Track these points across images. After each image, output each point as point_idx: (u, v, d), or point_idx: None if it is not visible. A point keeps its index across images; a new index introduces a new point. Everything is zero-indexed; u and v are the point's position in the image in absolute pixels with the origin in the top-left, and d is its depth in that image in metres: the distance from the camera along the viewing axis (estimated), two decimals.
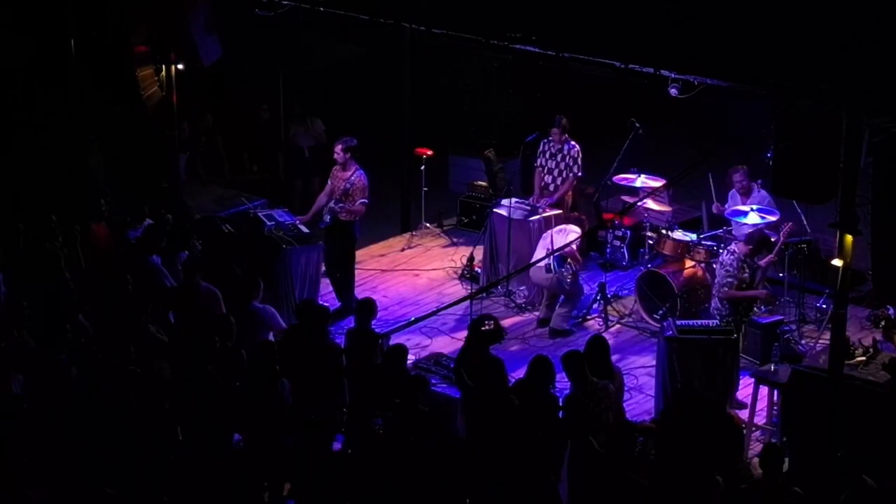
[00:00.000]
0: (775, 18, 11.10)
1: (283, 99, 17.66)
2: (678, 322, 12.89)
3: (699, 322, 13.13)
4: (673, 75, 12.21)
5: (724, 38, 11.39)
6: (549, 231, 14.82)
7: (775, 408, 12.50)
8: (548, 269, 14.48)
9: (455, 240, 17.27)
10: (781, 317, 14.01)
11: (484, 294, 15.07)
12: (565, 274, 14.49)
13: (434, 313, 14.05)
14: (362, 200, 14.75)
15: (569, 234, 14.56)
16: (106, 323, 12.19)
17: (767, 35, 11.14)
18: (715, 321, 13.19)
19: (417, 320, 13.98)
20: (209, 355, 11.41)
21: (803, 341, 14.04)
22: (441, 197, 18.08)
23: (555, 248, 14.36)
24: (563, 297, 14.61)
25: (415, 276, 16.30)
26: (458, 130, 18.90)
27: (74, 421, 10.56)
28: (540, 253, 14.65)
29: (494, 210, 15.68)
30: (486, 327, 11.69)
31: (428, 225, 17.61)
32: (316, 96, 18.28)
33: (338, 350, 12.17)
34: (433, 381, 12.74)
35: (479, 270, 15.87)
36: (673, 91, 12.40)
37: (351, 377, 11.83)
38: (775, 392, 12.47)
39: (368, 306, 12.36)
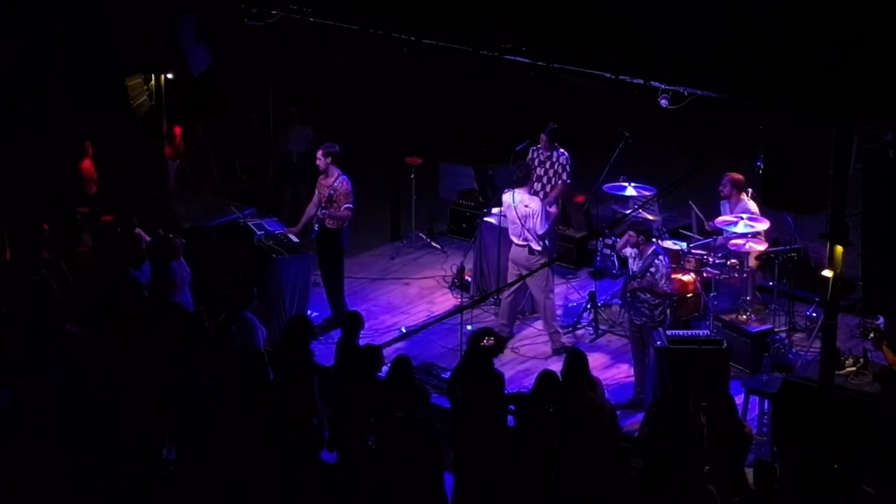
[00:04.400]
0: (764, 29, 11.09)
1: (273, 106, 17.62)
2: (668, 332, 12.89)
3: (689, 332, 13.13)
4: (663, 86, 12.20)
5: (713, 49, 11.38)
6: (510, 208, 14.42)
7: (766, 417, 12.50)
8: (530, 250, 14.33)
9: (445, 248, 17.26)
10: (771, 325, 14.02)
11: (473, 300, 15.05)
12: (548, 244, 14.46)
13: (426, 327, 14.04)
14: (347, 206, 14.65)
15: (530, 204, 14.26)
16: (94, 332, 12.15)
17: (756, 45, 11.13)
18: (706, 331, 13.17)
19: (409, 334, 13.98)
20: (198, 366, 11.37)
21: (794, 350, 14.05)
22: (431, 205, 18.07)
23: (526, 223, 14.18)
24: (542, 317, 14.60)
25: (405, 284, 16.28)
26: (449, 138, 18.87)
27: (63, 430, 10.52)
28: (513, 229, 14.41)
29: (485, 219, 15.67)
30: (486, 342, 11.61)
31: (418, 234, 17.59)
32: (306, 104, 18.25)
33: (313, 365, 12.13)
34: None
35: (470, 279, 15.85)
36: (663, 102, 12.36)
37: (342, 390, 11.78)
38: (766, 402, 12.48)
39: (355, 320, 12.32)
